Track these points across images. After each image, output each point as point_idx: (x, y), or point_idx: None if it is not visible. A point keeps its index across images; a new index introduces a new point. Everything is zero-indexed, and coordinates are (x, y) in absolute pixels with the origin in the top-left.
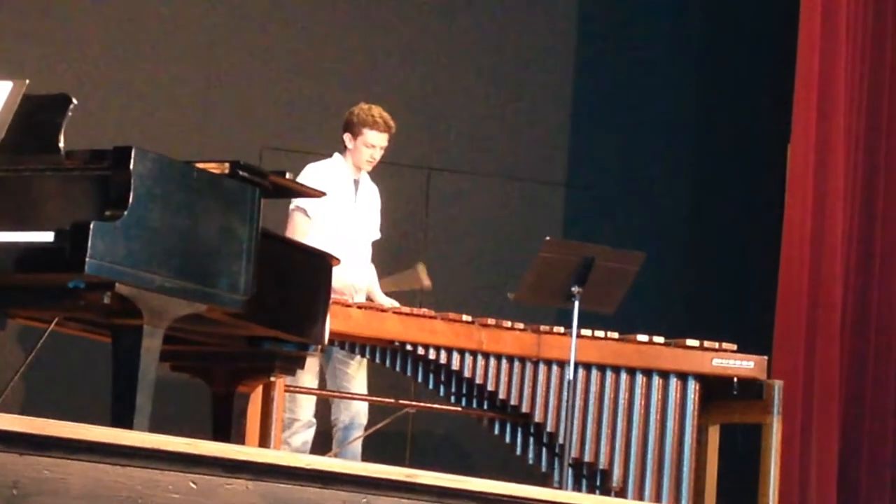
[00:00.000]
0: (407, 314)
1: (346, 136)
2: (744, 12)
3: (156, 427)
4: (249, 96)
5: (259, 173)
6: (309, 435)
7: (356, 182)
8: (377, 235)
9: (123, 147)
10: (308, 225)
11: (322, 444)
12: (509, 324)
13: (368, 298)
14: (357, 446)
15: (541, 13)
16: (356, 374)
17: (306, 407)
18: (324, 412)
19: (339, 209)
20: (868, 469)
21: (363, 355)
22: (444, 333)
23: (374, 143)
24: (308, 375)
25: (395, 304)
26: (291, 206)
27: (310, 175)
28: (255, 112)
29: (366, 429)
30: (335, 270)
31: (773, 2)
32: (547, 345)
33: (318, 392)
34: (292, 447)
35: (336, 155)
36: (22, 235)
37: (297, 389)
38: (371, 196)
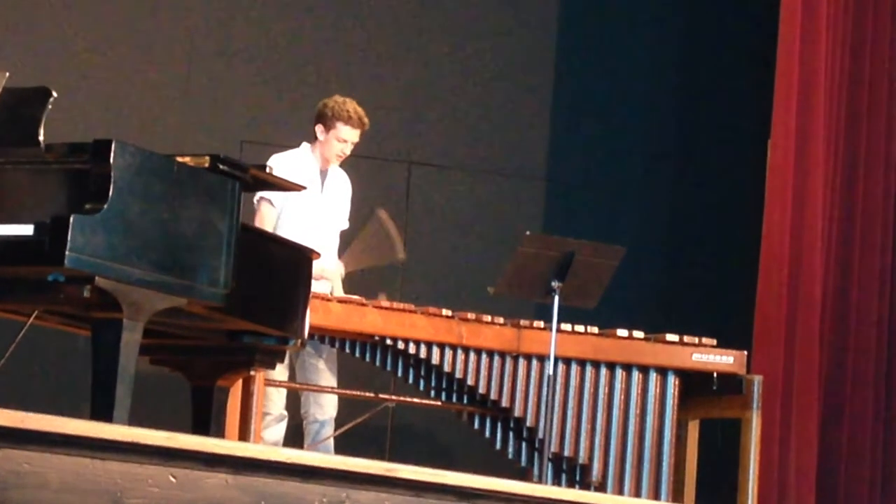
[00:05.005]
0: (387, 308)
1: (318, 128)
2: (724, 8)
3: (135, 421)
4: (230, 90)
5: (239, 167)
6: (281, 429)
7: (323, 173)
8: (345, 225)
9: (104, 140)
10: (276, 215)
11: (292, 437)
12: (489, 318)
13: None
14: (329, 441)
15: (521, 7)
16: (325, 368)
17: (277, 400)
18: (294, 405)
19: (305, 200)
20: (847, 464)
21: (343, 349)
22: (424, 328)
23: (346, 137)
24: (279, 368)
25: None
26: (256, 198)
27: (274, 165)
28: (235, 105)
29: (345, 423)
30: None
31: None
32: (527, 339)
33: (293, 386)
34: (265, 441)
35: (304, 145)
36: (1, 228)
37: (271, 383)
38: (340, 186)
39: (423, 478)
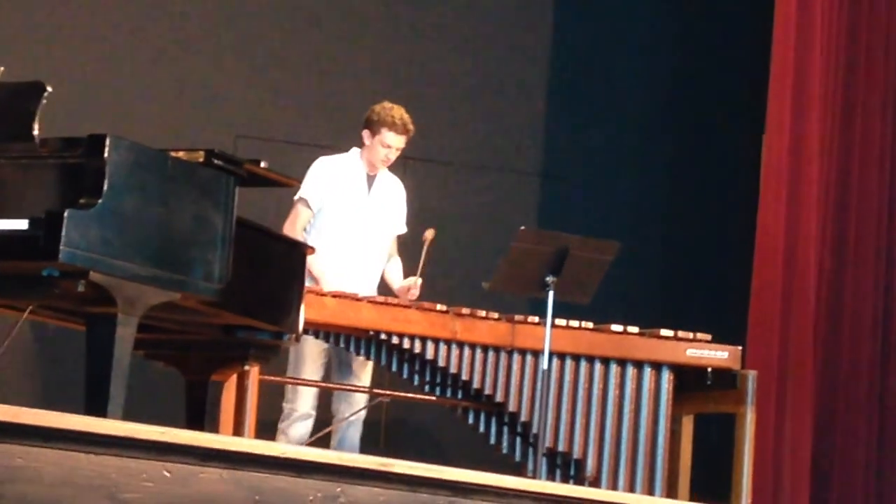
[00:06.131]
0: (381, 303)
1: (365, 133)
2: (719, 5)
3: (129, 415)
4: (224, 84)
5: (234, 161)
6: (306, 427)
7: (371, 177)
8: (402, 230)
9: (98, 135)
10: (309, 216)
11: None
12: (484, 313)
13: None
14: (356, 439)
15: (516, 2)
16: (360, 372)
17: (306, 399)
18: (325, 404)
19: (349, 203)
20: (841, 459)
21: (337, 344)
22: (419, 323)
23: (390, 143)
24: (310, 368)
25: (417, 281)
26: (295, 197)
27: (317, 167)
28: (229, 100)
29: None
30: (345, 270)
31: None
32: (521, 334)
33: (287, 381)
34: (289, 437)
35: (353, 149)
36: None
37: (284, 380)
38: (390, 190)
39: (417, 473)
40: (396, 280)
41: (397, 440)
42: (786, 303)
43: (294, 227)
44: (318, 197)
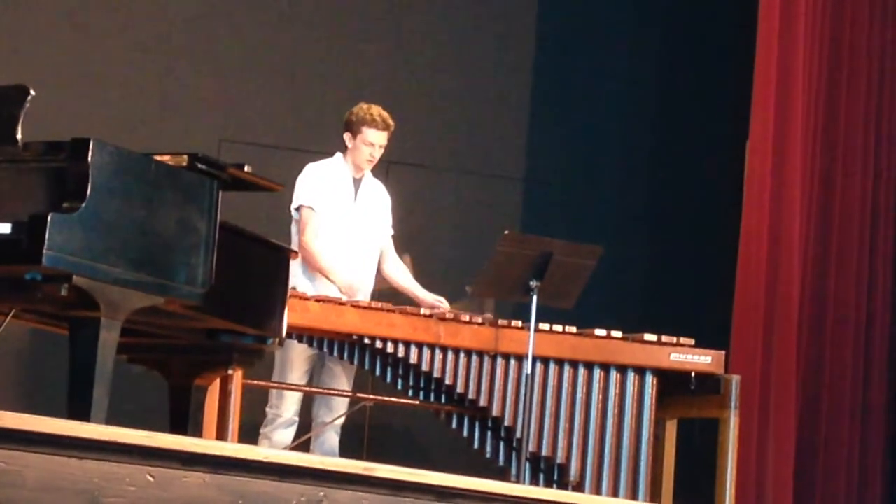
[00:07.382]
0: (365, 308)
1: (346, 136)
2: (703, 11)
3: (113, 419)
4: (208, 88)
5: (217, 165)
6: (290, 433)
7: (357, 181)
8: (390, 231)
9: (81, 139)
10: (319, 221)
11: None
12: (467, 318)
13: (374, 293)
14: (335, 443)
15: (499, 7)
16: (341, 372)
17: (291, 406)
18: (305, 409)
19: (338, 208)
20: (824, 463)
21: (321, 348)
22: (402, 327)
23: (373, 141)
24: (296, 375)
25: (441, 300)
26: (296, 205)
27: (307, 174)
28: (213, 104)
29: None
30: (340, 268)
31: (732, 1)
32: (505, 339)
33: (270, 385)
34: (272, 443)
35: (337, 154)
36: None
37: (267, 385)
38: (375, 194)
39: (401, 477)
40: (417, 288)
41: (381, 444)
42: (769, 307)
43: (307, 235)
44: (319, 200)
